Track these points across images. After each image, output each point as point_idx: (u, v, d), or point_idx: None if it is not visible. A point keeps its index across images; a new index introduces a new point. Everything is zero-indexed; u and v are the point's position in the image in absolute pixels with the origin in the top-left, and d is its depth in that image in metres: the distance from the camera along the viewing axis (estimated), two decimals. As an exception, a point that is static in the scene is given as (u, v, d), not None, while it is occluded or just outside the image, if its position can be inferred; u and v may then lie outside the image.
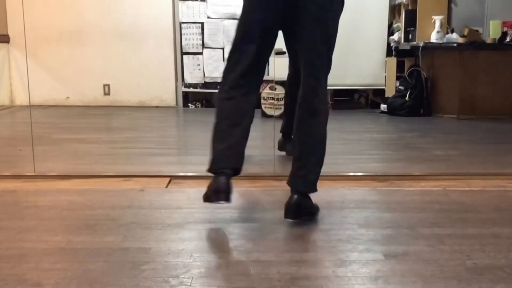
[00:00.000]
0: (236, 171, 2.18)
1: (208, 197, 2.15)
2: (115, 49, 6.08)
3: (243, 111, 2.22)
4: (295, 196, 2.19)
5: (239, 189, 2.69)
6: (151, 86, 6.15)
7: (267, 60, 2.32)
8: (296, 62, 2.71)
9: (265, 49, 2.24)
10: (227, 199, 2.10)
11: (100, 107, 6.09)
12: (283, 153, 3.43)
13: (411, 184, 2.86)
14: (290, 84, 3.30)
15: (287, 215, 2.19)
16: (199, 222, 2.24)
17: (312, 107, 2.19)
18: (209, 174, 2.17)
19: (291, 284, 1.65)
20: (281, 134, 3.48)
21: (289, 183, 2.24)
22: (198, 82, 6.05)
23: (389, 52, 6.11)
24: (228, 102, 2.22)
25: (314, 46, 2.17)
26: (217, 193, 2.11)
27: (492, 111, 5.42)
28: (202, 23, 5.93)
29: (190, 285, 1.65)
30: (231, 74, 2.22)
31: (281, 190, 2.70)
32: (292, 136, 2.37)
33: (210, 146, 2.20)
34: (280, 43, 2.67)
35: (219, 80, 2.28)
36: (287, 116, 3.36)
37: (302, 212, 2.21)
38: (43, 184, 2.83)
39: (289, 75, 3.30)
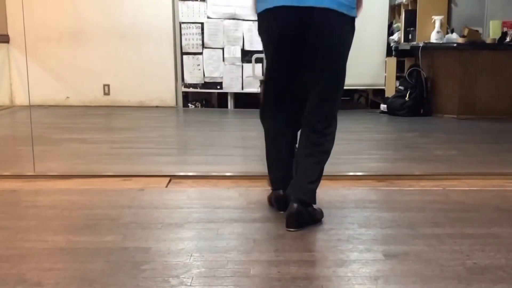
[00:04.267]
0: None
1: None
2: (115, 49, 6.08)
3: None
4: (295, 205, 2.11)
5: (239, 189, 2.69)
6: (151, 86, 6.14)
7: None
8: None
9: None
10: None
11: (100, 107, 6.09)
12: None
13: (411, 184, 2.86)
14: None
15: (289, 225, 2.12)
16: (199, 222, 2.24)
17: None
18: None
19: (291, 284, 1.65)
20: None
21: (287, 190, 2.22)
22: (198, 82, 6.04)
23: (389, 52, 6.11)
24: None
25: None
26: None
27: (492, 111, 5.42)
28: (202, 23, 5.92)
29: (190, 285, 1.65)
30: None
31: (281, 190, 2.71)
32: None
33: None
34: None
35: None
36: None
37: (304, 220, 2.14)
38: (43, 184, 2.83)
39: None
